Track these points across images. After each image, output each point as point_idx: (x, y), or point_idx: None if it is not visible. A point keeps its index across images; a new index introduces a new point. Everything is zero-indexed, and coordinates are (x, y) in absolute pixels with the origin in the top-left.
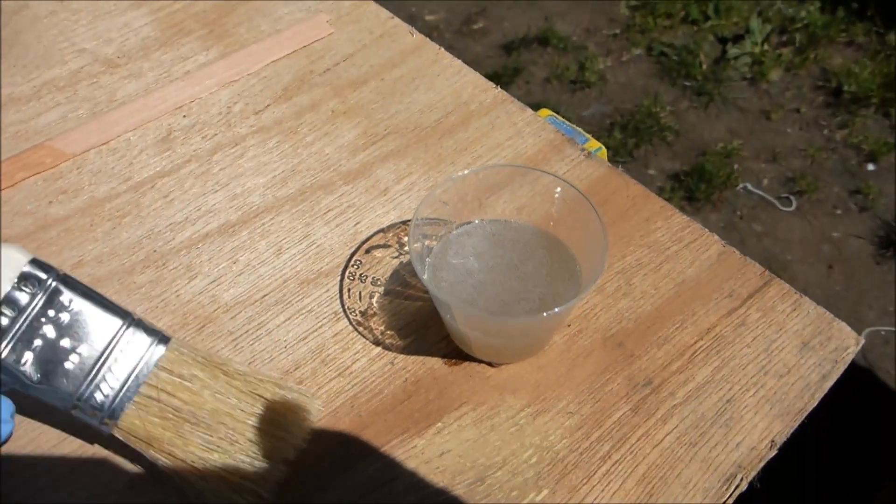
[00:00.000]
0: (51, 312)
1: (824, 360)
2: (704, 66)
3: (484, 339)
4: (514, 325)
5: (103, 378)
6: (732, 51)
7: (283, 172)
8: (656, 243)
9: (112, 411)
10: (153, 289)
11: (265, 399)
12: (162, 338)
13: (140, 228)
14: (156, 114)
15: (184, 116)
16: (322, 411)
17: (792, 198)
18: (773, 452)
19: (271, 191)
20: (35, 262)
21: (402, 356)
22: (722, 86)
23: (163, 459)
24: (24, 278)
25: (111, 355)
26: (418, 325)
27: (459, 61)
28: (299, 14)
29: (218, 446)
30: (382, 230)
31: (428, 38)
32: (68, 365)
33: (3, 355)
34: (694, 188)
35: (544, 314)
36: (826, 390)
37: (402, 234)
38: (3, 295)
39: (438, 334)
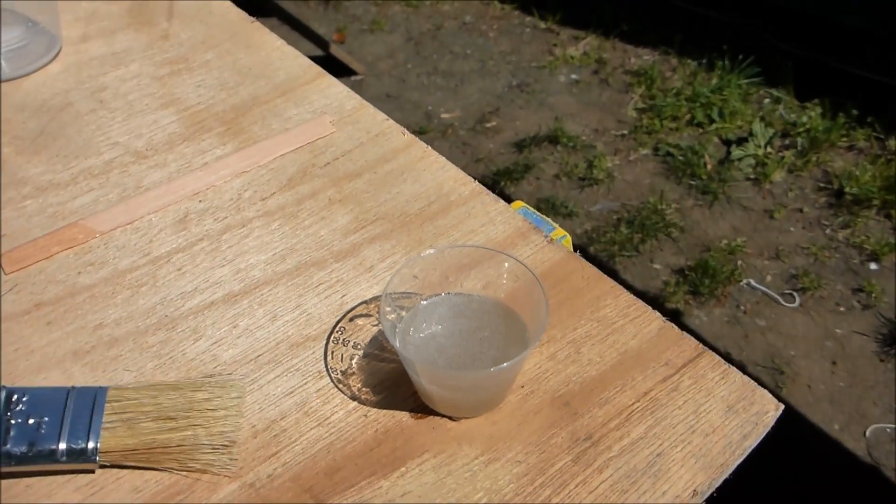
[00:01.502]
0: (11, 408)
1: (746, 422)
2: (709, 167)
3: (443, 393)
4: (467, 379)
5: (73, 428)
6: (736, 152)
7: (282, 251)
8: (605, 318)
9: (92, 448)
10: (163, 348)
11: (197, 390)
12: (100, 389)
13: (155, 296)
14: (176, 199)
15: (200, 201)
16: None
17: (795, 294)
18: (696, 501)
19: (271, 266)
20: None
21: (374, 409)
22: (726, 185)
23: (145, 459)
24: None
25: (69, 413)
26: (391, 383)
27: (444, 158)
28: (307, 115)
29: (177, 428)
30: (365, 301)
31: (417, 138)
32: (42, 430)
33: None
34: (698, 283)
35: (491, 369)
36: (747, 449)
37: None
38: None
39: (407, 391)
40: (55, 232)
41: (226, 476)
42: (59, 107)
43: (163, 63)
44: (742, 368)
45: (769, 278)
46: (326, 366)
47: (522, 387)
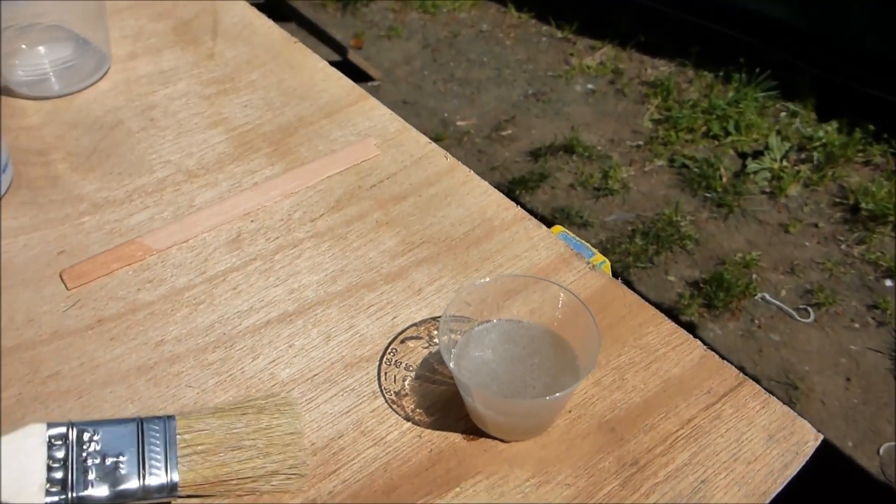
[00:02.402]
0: (85, 447)
1: (787, 451)
2: (724, 179)
3: (496, 417)
4: (521, 406)
5: (151, 465)
6: (752, 165)
7: (333, 272)
8: (647, 345)
9: (173, 484)
10: (222, 366)
11: (260, 412)
12: (168, 419)
13: (213, 315)
14: (228, 218)
15: (251, 221)
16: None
17: (810, 309)
18: None
19: (323, 287)
20: (50, 424)
21: (428, 430)
22: (741, 198)
23: (222, 490)
24: (52, 438)
25: (144, 448)
26: (442, 404)
27: (486, 183)
28: (352, 137)
29: (249, 458)
30: (415, 324)
31: (460, 162)
32: (122, 470)
33: (78, 495)
34: (713, 296)
35: (546, 398)
36: (788, 477)
37: (432, 328)
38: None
39: (459, 413)
40: (114, 249)
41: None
42: (110, 124)
43: (209, 82)
44: (756, 382)
45: (784, 293)
46: (380, 386)
47: (570, 411)
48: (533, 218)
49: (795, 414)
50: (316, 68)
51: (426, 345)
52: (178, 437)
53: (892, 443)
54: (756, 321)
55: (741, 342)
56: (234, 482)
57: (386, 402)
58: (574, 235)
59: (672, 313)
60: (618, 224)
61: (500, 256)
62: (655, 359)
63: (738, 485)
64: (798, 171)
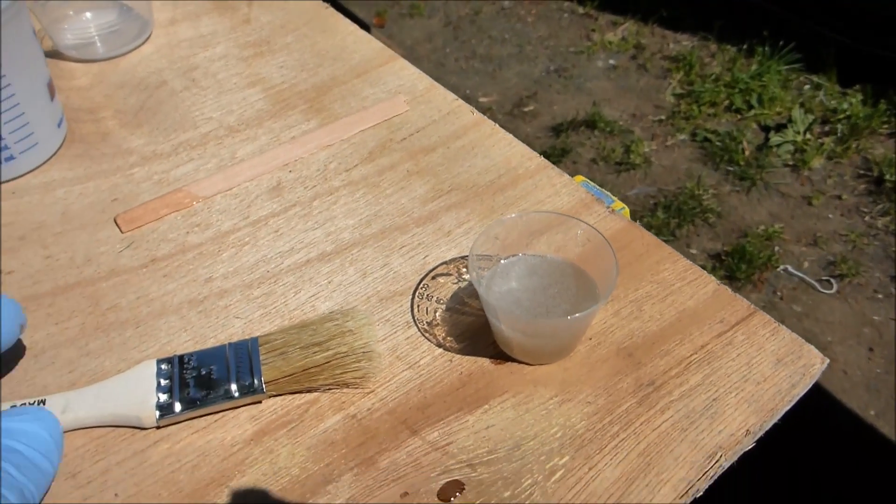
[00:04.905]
0: (185, 366)
1: (794, 373)
2: (747, 153)
3: (522, 339)
4: (545, 326)
5: (238, 371)
6: (775, 139)
7: (367, 216)
8: (664, 281)
9: (259, 382)
10: (266, 299)
11: (328, 321)
12: (252, 339)
13: (257, 255)
14: (268, 168)
15: (290, 171)
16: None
17: (833, 281)
18: (749, 439)
19: (358, 230)
20: (158, 360)
21: (458, 356)
22: (764, 171)
23: (304, 380)
24: (160, 363)
25: (232, 359)
26: (472, 333)
27: (511, 135)
28: (382, 95)
29: (322, 350)
30: (445, 262)
31: (485, 116)
32: (214, 376)
33: (181, 397)
34: (735, 268)
35: (567, 318)
36: (795, 396)
37: (461, 265)
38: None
39: (487, 340)
40: (163, 196)
41: (369, 388)
42: (155, 84)
43: (246, 45)
44: None
45: (806, 264)
46: (413, 317)
47: (590, 339)
48: (555, 167)
49: (803, 340)
50: (347, 31)
51: (455, 280)
52: (259, 348)
53: None
54: (778, 293)
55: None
56: (314, 370)
57: (419, 331)
58: (595, 185)
59: None
60: (640, 198)
61: (524, 202)
62: (671, 292)
63: (747, 402)
64: (822, 144)
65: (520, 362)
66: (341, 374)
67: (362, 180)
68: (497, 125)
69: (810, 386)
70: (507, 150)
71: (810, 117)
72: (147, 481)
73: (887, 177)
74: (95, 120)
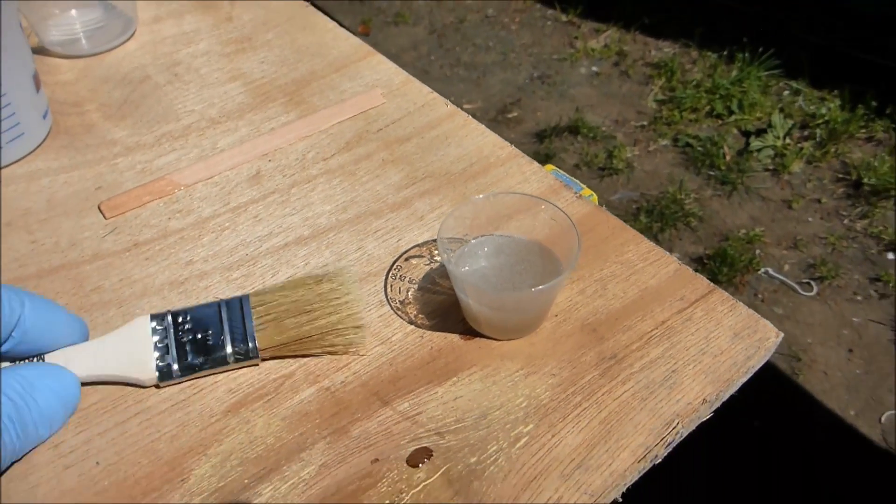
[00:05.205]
0: (180, 327)
1: (750, 346)
2: (728, 157)
3: (489, 313)
4: (510, 298)
5: (233, 336)
6: (755, 143)
7: (344, 202)
8: (627, 261)
9: (253, 348)
10: (245, 281)
11: (319, 282)
12: (244, 297)
13: (236, 239)
14: (248, 158)
15: (269, 161)
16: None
17: (813, 283)
18: (705, 408)
19: (335, 215)
20: (152, 316)
21: (429, 332)
22: (745, 176)
23: (296, 349)
24: (153, 319)
25: (226, 322)
26: (442, 311)
27: (483, 126)
28: (359, 88)
29: (314, 319)
30: (418, 245)
31: (459, 108)
32: (210, 342)
33: (180, 363)
34: (716, 271)
35: (532, 290)
36: (751, 368)
37: (433, 248)
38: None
39: (457, 318)
40: (146, 184)
41: (359, 354)
42: (138, 79)
43: (228, 42)
44: None
45: (787, 267)
46: (386, 296)
47: (556, 315)
48: (526, 156)
49: (759, 316)
50: (326, 28)
51: (428, 262)
52: (252, 310)
53: (894, 411)
54: (759, 295)
55: None
56: (306, 340)
57: (392, 309)
58: (565, 174)
59: None
60: (622, 202)
61: (495, 188)
62: (634, 272)
63: (704, 374)
64: (801, 149)
65: (488, 338)
66: (330, 344)
67: (339, 168)
68: (470, 116)
69: (766, 359)
70: (479, 139)
71: (790, 122)
72: (128, 450)
73: (865, 180)
74: (80, 113)
